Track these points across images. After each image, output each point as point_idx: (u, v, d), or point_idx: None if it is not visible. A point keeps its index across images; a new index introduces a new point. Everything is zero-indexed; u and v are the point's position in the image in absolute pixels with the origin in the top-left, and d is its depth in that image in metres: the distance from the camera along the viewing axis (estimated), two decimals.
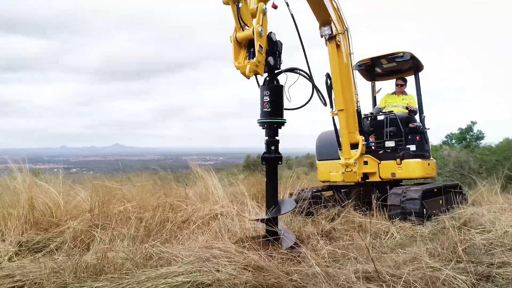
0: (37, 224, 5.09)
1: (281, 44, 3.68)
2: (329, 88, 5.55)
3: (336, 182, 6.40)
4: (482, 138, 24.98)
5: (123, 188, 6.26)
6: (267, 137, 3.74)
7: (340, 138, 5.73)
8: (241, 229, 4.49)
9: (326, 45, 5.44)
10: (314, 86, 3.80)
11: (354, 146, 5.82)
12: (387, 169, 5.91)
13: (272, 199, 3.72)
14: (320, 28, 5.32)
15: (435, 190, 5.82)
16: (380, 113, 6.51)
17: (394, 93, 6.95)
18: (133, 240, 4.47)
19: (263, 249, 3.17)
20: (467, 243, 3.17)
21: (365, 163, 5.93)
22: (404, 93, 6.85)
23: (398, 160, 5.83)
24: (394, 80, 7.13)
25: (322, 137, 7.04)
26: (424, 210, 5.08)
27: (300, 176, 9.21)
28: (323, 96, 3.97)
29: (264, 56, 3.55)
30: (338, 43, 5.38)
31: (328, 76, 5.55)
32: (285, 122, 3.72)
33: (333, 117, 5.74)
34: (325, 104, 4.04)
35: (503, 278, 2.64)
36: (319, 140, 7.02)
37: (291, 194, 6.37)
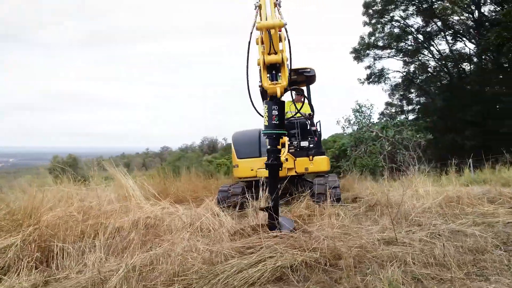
0: None
1: None
2: (263, 94, 6.41)
3: (257, 177, 7.23)
4: None
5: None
6: (270, 146, 4.24)
7: None
8: (220, 226, 4.77)
9: None
10: (309, 102, 4.55)
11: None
12: (302, 164, 7.14)
13: (275, 200, 4.28)
14: None
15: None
16: (292, 118, 7.72)
17: (292, 101, 8.28)
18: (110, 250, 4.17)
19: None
20: (414, 212, 4.61)
21: (286, 160, 6.99)
22: (301, 101, 8.27)
23: (310, 157, 7.14)
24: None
25: (239, 137, 7.75)
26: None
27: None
28: (313, 108, 4.78)
29: None
30: None
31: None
32: (286, 133, 4.37)
33: None
34: (312, 115, 4.87)
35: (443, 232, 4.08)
36: (236, 140, 7.70)
37: (221, 191, 6.85)
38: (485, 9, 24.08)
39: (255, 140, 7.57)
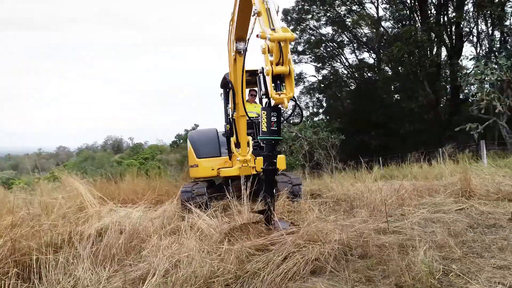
0: None
1: None
2: (227, 95, 6.51)
3: (217, 176, 7.23)
4: None
5: None
6: (267, 152, 4.35)
7: (239, 139, 6.67)
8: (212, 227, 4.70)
9: (236, 58, 6.24)
10: (300, 109, 4.72)
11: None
12: (262, 163, 7.32)
13: (271, 201, 4.42)
14: (236, 42, 6.08)
15: None
16: (253, 118, 7.84)
17: (247, 101, 8.43)
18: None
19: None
20: (386, 203, 5.15)
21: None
22: (255, 102, 8.47)
23: None
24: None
25: (196, 136, 7.64)
26: None
27: None
28: (303, 115, 4.99)
29: None
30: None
31: (229, 84, 6.48)
32: (282, 139, 4.49)
33: (232, 120, 6.60)
34: (300, 121, 5.08)
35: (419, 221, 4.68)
36: (194, 139, 7.56)
37: (184, 192, 6.65)
38: (385, 25, 27.36)
39: (214, 139, 7.54)
